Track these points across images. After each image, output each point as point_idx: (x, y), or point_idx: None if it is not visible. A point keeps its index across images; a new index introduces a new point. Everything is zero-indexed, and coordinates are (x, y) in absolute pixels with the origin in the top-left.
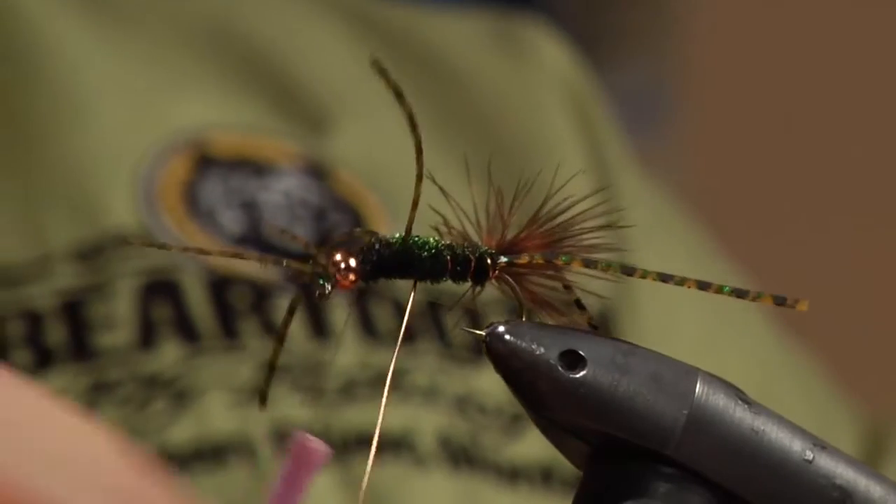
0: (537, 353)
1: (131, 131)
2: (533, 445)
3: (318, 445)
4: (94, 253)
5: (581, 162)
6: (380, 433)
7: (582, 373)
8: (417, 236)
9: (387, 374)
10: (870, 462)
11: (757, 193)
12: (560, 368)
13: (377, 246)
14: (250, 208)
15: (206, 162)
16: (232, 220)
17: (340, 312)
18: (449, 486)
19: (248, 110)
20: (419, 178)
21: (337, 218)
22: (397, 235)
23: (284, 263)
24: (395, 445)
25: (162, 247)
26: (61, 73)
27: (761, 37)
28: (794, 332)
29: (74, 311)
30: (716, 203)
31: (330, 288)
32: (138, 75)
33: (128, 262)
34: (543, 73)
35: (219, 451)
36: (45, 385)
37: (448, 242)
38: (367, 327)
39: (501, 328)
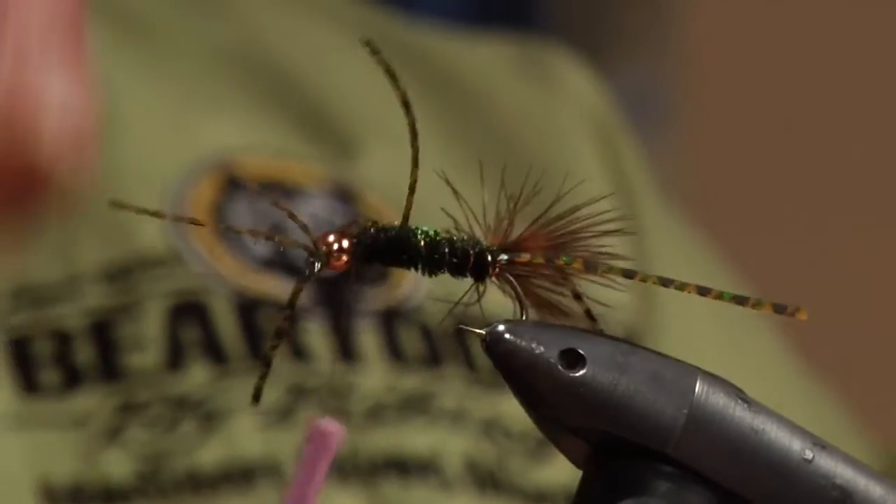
0: (537, 351)
1: (161, 153)
2: (559, 470)
3: (333, 427)
4: (123, 274)
5: (604, 188)
6: (406, 457)
7: (582, 372)
8: (416, 226)
9: (413, 399)
10: None
11: (756, 195)
12: (560, 367)
13: (372, 230)
14: (278, 231)
15: (234, 184)
16: (259, 243)
17: (368, 336)
18: None
19: (276, 133)
20: (414, 161)
21: None
22: (396, 223)
23: (276, 238)
24: (422, 468)
25: (155, 214)
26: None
27: (760, 39)
28: (787, 329)
29: (103, 332)
30: (715, 205)
31: (320, 267)
32: (168, 97)
33: (157, 283)
34: (567, 100)
35: (247, 473)
36: (74, 405)
37: (448, 235)
38: (395, 351)
39: (501, 327)
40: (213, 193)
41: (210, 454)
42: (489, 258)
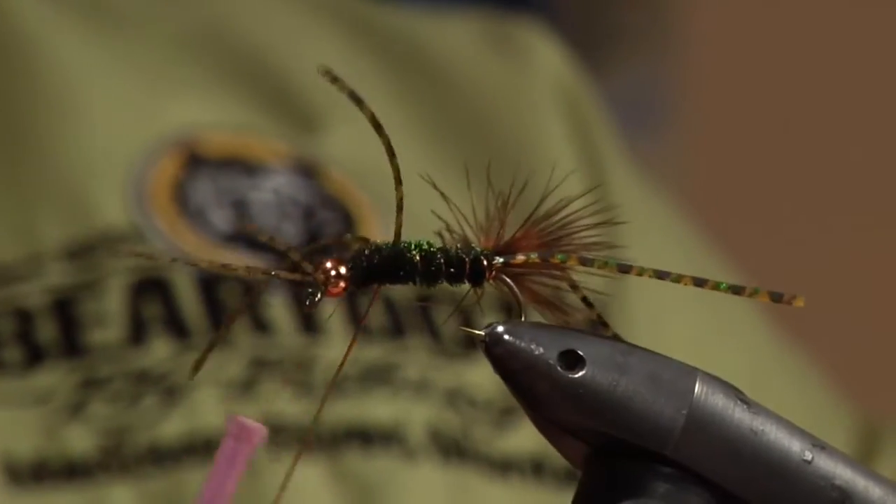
0: (536, 353)
1: (123, 131)
2: (524, 438)
3: (254, 425)
4: (85, 251)
5: (574, 162)
6: (369, 427)
7: (581, 373)
8: (408, 241)
9: (376, 369)
10: (864, 461)
11: (756, 195)
12: (559, 368)
13: (366, 252)
14: (240, 207)
15: (196, 161)
16: (222, 219)
17: (330, 308)
18: (439, 479)
19: (239, 110)
20: (397, 181)
21: (326, 216)
22: (388, 242)
23: (273, 273)
24: (385, 438)
25: (151, 257)
26: (53, 74)
27: (760, 39)
28: (787, 330)
29: (65, 309)
30: (715, 204)
31: (319, 296)
32: (129, 75)
33: (119, 260)
34: (537, 74)
35: (210, 446)
36: (36, 381)
37: (441, 245)
38: (358, 322)
39: (500, 328)
40: (174, 171)
41: (172, 428)
42: (485, 263)
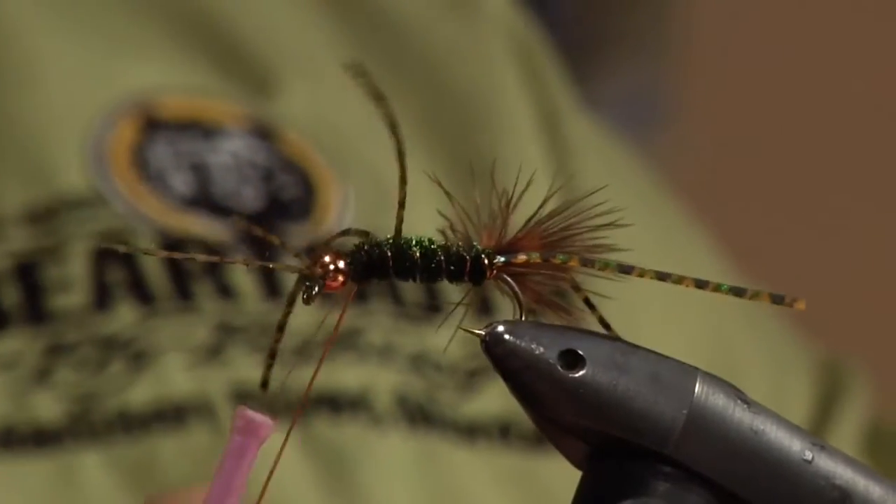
0: (536, 352)
1: (79, 95)
2: (490, 401)
3: (262, 418)
4: (46, 216)
5: (528, 111)
6: (337, 393)
7: (581, 372)
8: (409, 237)
9: (342, 335)
10: (826, 407)
11: (756, 194)
12: (559, 368)
13: (366, 247)
14: (199, 170)
15: (153, 125)
16: (182, 183)
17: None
18: (407, 446)
19: (194, 72)
20: (402, 180)
21: (285, 179)
22: (389, 237)
23: (272, 265)
24: (352, 405)
25: (147, 252)
26: (8, 39)
27: (760, 39)
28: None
29: (28, 274)
30: (714, 203)
31: (317, 290)
32: (84, 39)
33: (81, 224)
34: (488, 23)
35: (178, 412)
36: (1, 347)
37: (442, 242)
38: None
39: (500, 328)
40: (132, 135)
41: (140, 394)
42: (486, 262)
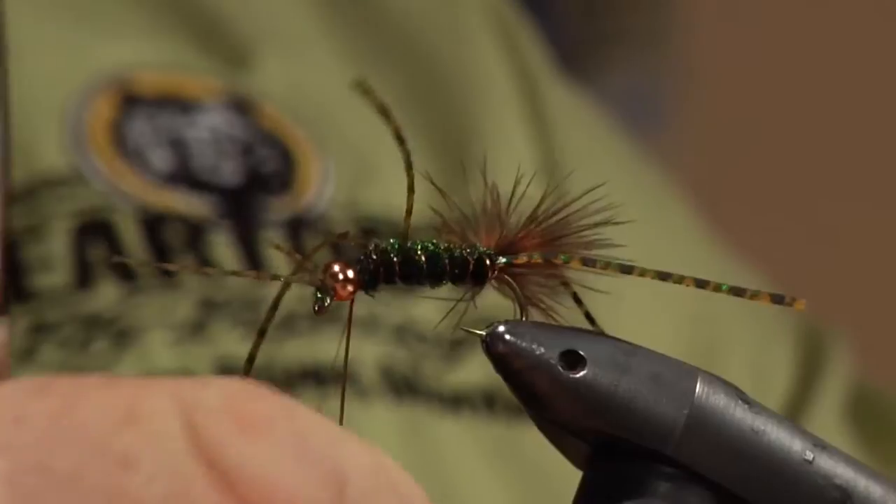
0: (537, 352)
1: (55, 74)
2: (474, 371)
3: None
4: (26, 196)
5: (508, 82)
6: (322, 366)
7: (582, 373)
8: (414, 242)
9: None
10: (809, 373)
11: (757, 192)
12: (560, 368)
13: (374, 255)
14: (178, 145)
15: (130, 101)
16: (160, 159)
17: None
18: (392, 417)
19: (171, 48)
20: (410, 189)
21: (265, 153)
22: (392, 241)
23: (283, 279)
24: (337, 377)
25: (164, 268)
26: None
27: (761, 37)
28: (729, 243)
29: (9, 254)
30: (715, 201)
31: (329, 301)
32: (59, 16)
33: (60, 203)
34: None
35: None
36: None
37: (445, 245)
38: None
39: (501, 328)
40: (109, 111)
41: (125, 371)
42: (488, 263)
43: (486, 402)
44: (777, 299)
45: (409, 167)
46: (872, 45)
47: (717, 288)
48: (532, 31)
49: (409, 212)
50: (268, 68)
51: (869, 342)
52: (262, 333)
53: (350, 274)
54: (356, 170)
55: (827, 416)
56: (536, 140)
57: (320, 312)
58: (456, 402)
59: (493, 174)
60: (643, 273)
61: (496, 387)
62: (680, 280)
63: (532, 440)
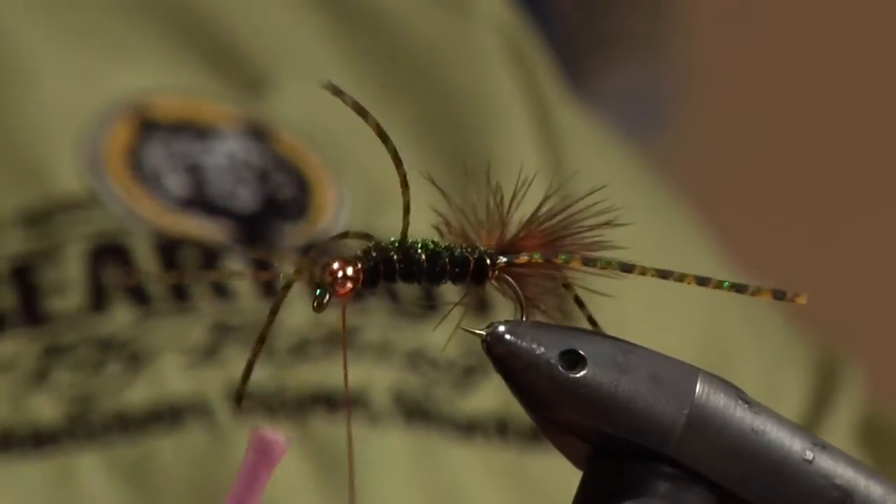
0: (537, 352)
1: (72, 97)
2: (487, 398)
3: (277, 438)
4: (42, 218)
5: (521, 106)
6: (333, 391)
7: (582, 372)
8: (414, 240)
9: (339, 334)
10: (821, 399)
11: (757, 195)
12: (560, 368)
13: (373, 252)
14: (194, 171)
15: (148, 126)
16: (177, 184)
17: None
18: (404, 443)
19: (188, 73)
20: (404, 185)
21: (281, 179)
22: (392, 239)
23: (282, 276)
24: (350, 403)
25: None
26: (0, 43)
27: (761, 38)
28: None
29: (24, 277)
30: (715, 203)
31: (329, 298)
32: (76, 41)
33: (76, 226)
34: (480, 20)
35: (176, 413)
36: None
37: (446, 244)
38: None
39: (501, 328)
40: (126, 137)
41: (138, 394)
42: (489, 262)
43: (499, 429)
44: (778, 295)
45: (397, 163)
46: (873, 45)
47: (719, 285)
48: (546, 55)
49: (406, 209)
50: (284, 94)
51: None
52: (261, 340)
53: (349, 271)
54: (370, 197)
55: (838, 439)
56: (548, 163)
57: (319, 309)
58: (469, 428)
59: (501, 188)
60: (644, 272)
61: (509, 413)
62: (681, 278)
63: (544, 467)
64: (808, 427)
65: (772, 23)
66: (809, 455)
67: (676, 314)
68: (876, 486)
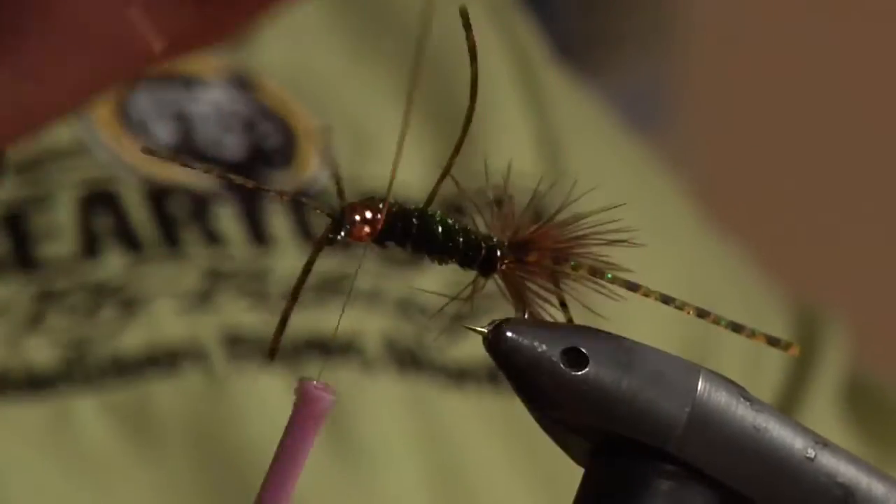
0: (539, 350)
1: None
2: (478, 346)
3: (323, 392)
4: (31, 166)
5: (505, 66)
6: (327, 337)
7: (584, 370)
8: (434, 211)
9: (330, 281)
10: (804, 358)
11: (758, 193)
12: (562, 366)
13: (394, 209)
14: (181, 119)
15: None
16: (165, 132)
17: (279, 218)
18: (397, 390)
19: None
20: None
21: (267, 128)
22: (415, 206)
23: (305, 201)
24: (342, 350)
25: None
26: None
27: (762, 38)
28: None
29: (16, 223)
30: (716, 202)
31: (342, 236)
32: None
33: (66, 174)
34: None
35: (172, 357)
36: None
37: (463, 226)
38: (306, 233)
39: (503, 326)
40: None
41: (132, 339)
42: (499, 254)
43: (490, 377)
44: (773, 341)
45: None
46: (873, 45)
47: (717, 321)
48: (530, 22)
49: (443, 175)
50: (266, 44)
51: (870, 337)
52: (295, 297)
53: (368, 215)
54: (357, 145)
55: (822, 404)
56: (532, 115)
57: (331, 243)
58: (460, 376)
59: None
60: (647, 293)
61: None
62: (682, 306)
63: None
64: (791, 388)
65: (772, 22)
66: (811, 453)
67: (660, 277)
68: (878, 484)
